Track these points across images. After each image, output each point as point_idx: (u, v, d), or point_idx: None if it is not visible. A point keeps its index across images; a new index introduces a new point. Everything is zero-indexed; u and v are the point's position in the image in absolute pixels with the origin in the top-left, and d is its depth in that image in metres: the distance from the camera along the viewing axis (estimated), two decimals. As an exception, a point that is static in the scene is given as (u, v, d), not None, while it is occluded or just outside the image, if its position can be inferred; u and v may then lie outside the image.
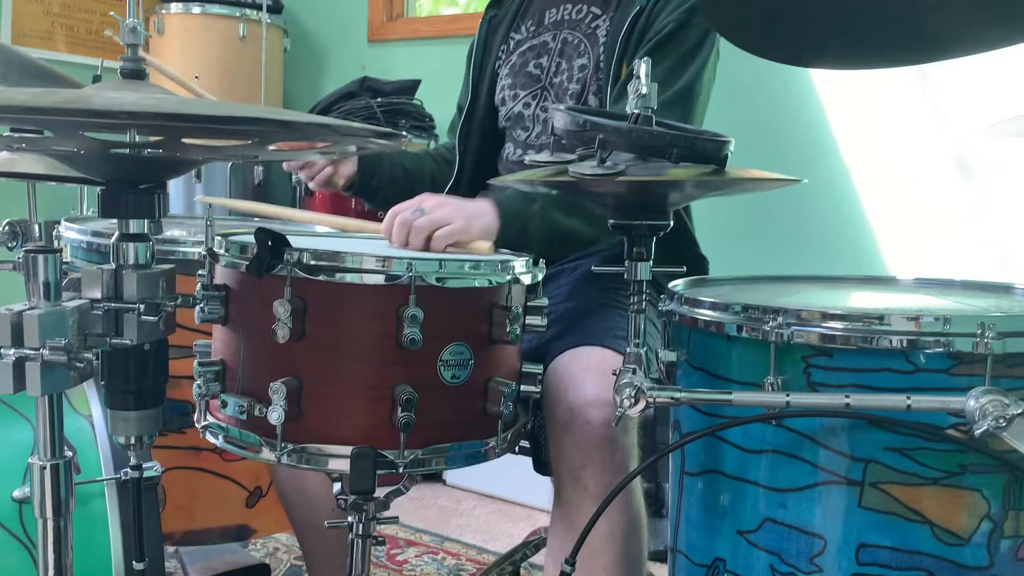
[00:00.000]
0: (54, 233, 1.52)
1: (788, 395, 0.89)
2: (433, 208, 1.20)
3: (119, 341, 0.88)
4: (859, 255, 2.49)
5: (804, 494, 0.94)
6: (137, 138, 0.85)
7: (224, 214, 1.91)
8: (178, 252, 1.38)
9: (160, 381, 0.93)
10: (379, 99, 2.99)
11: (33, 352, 0.80)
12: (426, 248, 1.17)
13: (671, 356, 1.05)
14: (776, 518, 0.95)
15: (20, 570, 1.03)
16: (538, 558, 1.90)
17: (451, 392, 1.00)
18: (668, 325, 1.08)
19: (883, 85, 2.42)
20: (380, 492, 1.05)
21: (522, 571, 1.90)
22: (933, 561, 0.90)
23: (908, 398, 0.85)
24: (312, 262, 0.96)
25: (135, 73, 0.91)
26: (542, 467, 1.30)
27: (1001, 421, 0.81)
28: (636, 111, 0.94)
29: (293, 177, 2.89)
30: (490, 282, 1.03)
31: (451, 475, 2.73)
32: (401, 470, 0.97)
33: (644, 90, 0.94)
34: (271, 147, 1.04)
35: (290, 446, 0.97)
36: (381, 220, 1.27)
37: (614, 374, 0.96)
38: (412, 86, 3.10)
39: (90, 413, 1.15)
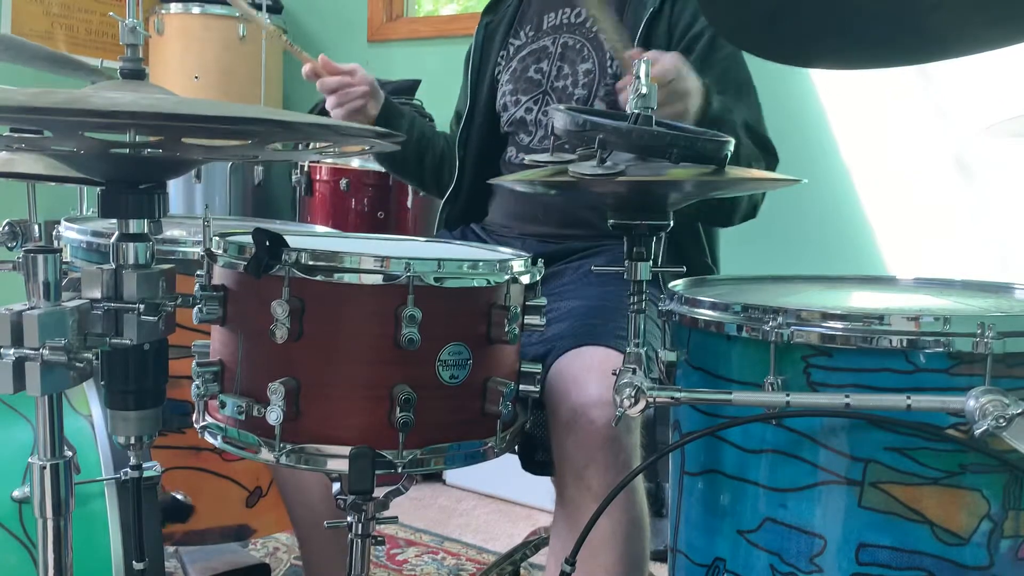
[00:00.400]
0: (54, 233, 1.52)
1: (788, 395, 0.89)
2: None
3: (119, 341, 0.88)
4: (859, 255, 2.49)
5: (804, 494, 0.94)
6: (137, 138, 0.85)
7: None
8: (178, 252, 1.38)
9: (160, 381, 0.93)
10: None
11: (33, 352, 0.80)
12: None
13: (671, 356, 1.05)
14: (776, 518, 0.95)
15: (20, 570, 1.03)
16: (538, 558, 1.90)
17: (450, 392, 1.00)
18: (668, 325, 1.08)
19: (883, 85, 2.42)
20: (379, 492, 1.05)
21: (522, 571, 1.90)
22: (933, 561, 0.90)
23: (908, 398, 0.85)
24: (310, 262, 0.96)
25: (135, 73, 0.91)
26: (533, 466, 1.30)
27: (1001, 421, 0.81)
28: (636, 111, 0.94)
29: (293, 177, 2.90)
30: (488, 282, 1.02)
31: (451, 475, 2.73)
32: (400, 470, 0.97)
33: (644, 90, 0.94)
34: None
35: (289, 446, 0.97)
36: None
37: (614, 374, 0.96)
38: (412, 86, 3.10)
39: (90, 413, 1.15)
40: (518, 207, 1.60)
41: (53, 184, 1.39)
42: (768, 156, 1.47)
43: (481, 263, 1.03)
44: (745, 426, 0.96)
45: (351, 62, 1.64)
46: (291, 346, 0.96)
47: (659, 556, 1.52)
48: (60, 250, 0.87)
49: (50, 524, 0.86)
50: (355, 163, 2.75)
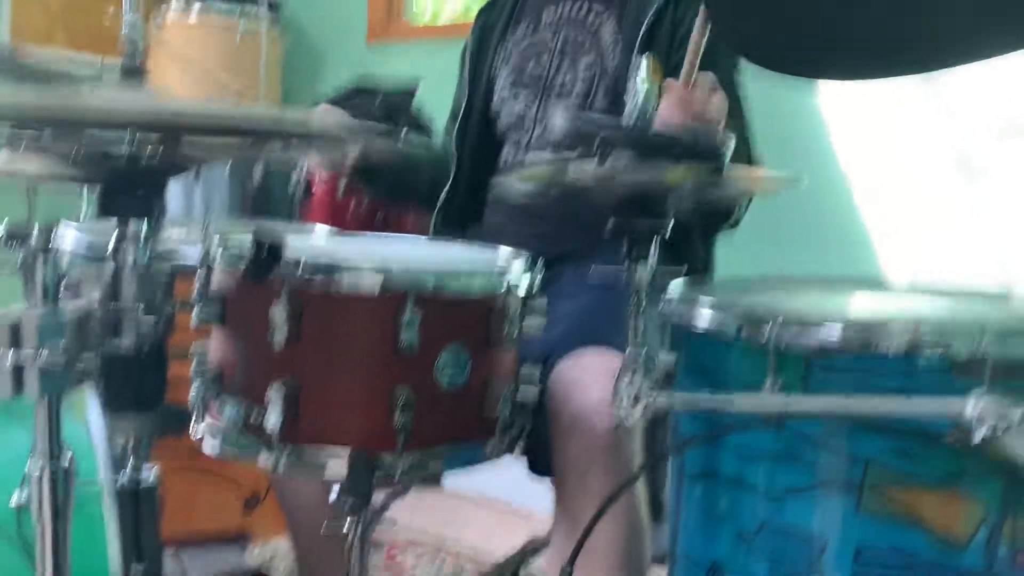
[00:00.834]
0: (52, 235, 1.51)
1: (787, 399, 0.89)
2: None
3: (117, 344, 0.87)
4: (859, 255, 2.49)
5: (803, 497, 0.94)
6: (136, 139, 0.85)
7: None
8: (177, 254, 1.37)
9: (158, 384, 0.93)
10: (378, 100, 2.98)
11: (31, 355, 0.79)
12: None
13: (670, 359, 1.05)
14: (775, 521, 0.95)
15: (18, 574, 1.03)
16: (537, 562, 1.90)
17: (448, 395, 1.00)
18: (667, 328, 1.07)
19: (884, 86, 2.42)
20: (378, 496, 1.04)
21: (520, 575, 1.90)
22: (931, 566, 0.90)
23: (906, 403, 0.85)
24: (308, 268, 0.96)
25: (134, 71, 0.91)
26: (539, 469, 1.30)
27: (999, 426, 0.81)
28: (635, 112, 0.94)
29: (292, 180, 2.89)
30: (487, 286, 1.02)
31: (450, 479, 2.72)
32: (398, 474, 0.97)
33: (643, 90, 0.94)
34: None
35: (287, 450, 0.97)
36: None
37: (612, 377, 0.95)
38: (411, 88, 3.10)
39: (88, 416, 1.14)
40: (516, 208, 1.59)
41: (53, 185, 1.38)
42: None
43: (480, 267, 1.03)
44: (744, 430, 0.96)
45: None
46: (290, 350, 0.95)
47: (658, 560, 1.52)
48: (58, 252, 0.87)
49: (48, 528, 0.85)
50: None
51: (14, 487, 0.99)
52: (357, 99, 2.93)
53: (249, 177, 3.01)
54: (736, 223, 1.55)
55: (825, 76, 1.07)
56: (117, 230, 0.90)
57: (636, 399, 0.93)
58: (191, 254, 1.36)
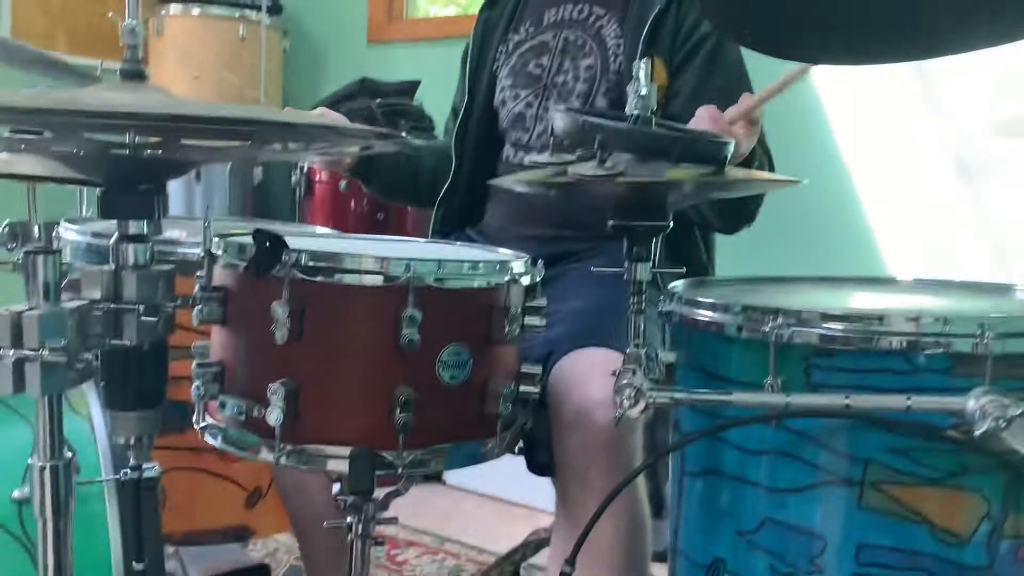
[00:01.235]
0: (53, 234, 1.52)
1: (788, 396, 0.89)
2: None
3: (119, 342, 0.88)
4: (859, 255, 2.49)
5: (804, 495, 0.94)
6: (137, 139, 0.85)
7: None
8: (178, 253, 1.38)
9: (160, 381, 0.93)
10: (379, 100, 2.99)
11: (33, 353, 0.79)
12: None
13: (671, 357, 1.05)
14: (776, 518, 0.95)
15: (20, 570, 1.03)
16: (538, 559, 1.90)
17: (450, 393, 1.00)
18: (668, 326, 1.08)
19: (884, 85, 2.42)
20: (379, 493, 1.05)
21: (522, 572, 1.90)
22: (933, 561, 0.90)
23: (908, 399, 0.85)
24: (310, 263, 0.96)
25: (135, 74, 0.91)
26: (537, 467, 1.30)
27: (1001, 421, 0.81)
28: (636, 112, 0.94)
29: (292, 178, 2.89)
30: (488, 283, 1.02)
31: (451, 476, 2.73)
32: (400, 471, 0.97)
33: (644, 91, 0.94)
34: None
35: (289, 447, 0.97)
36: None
37: (614, 374, 0.96)
38: (412, 87, 3.10)
39: (89, 414, 1.14)
40: (517, 208, 1.59)
41: (53, 185, 1.39)
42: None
43: (481, 264, 1.03)
44: (745, 427, 0.96)
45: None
46: (291, 347, 0.96)
47: (659, 557, 1.52)
48: (60, 251, 0.87)
49: (50, 525, 0.85)
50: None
51: (16, 483, 1.00)
52: (357, 99, 2.94)
53: (250, 177, 3.02)
54: (751, 222, 1.54)
55: (820, 61, 1.07)
56: (118, 229, 0.90)
57: (637, 397, 0.93)
58: (192, 252, 1.37)
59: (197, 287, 1.02)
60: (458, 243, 1.44)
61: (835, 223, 2.52)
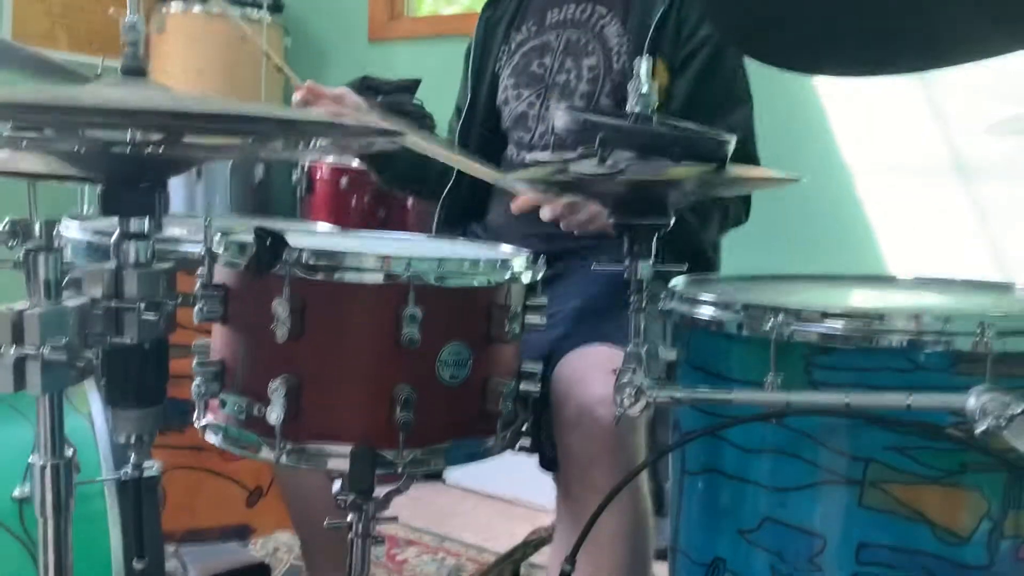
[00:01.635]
0: (54, 232, 1.51)
1: (789, 394, 0.89)
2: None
3: (119, 340, 0.88)
4: (859, 255, 2.49)
5: (804, 493, 0.94)
6: (138, 136, 0.85)
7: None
8: (179, 250, 1.38)
9: (160, 380, 0.93)
10: (379, 98, 2.99)
11: (33, 351, 0.79)
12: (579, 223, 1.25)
13: (671, 355, 1.05)
14: (776, 517, 0.95)
15: (20, 570, 1.03)
16: (538, 557, 1.90)
17: (450, 391, 1.00)
18: (668, 324, 1.08)
19: (884, 85, 2.42)
20: (379, 491, 1.05)
21: (522, 570, 1.90)
22: (933, 560, 0.90)
23: (908, 397, 0.85)
24: (311, 261, 0.96)
25: (135, 70, 0.91)
26: (547, 464, 1.30)
27: (1001, 420, 0.81)
28: (637, 109, 0.94)
29: (293, 176, 2.89)
30: (489, 281, 1.02)
31: (451, 474, 2.73)
32: (400, 469, 0.97)
33: (644, 89, 0.94)
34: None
35: (289, 445, 0.97)
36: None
37: (614, 372, 0.96)
38: (412, 86, 3.10)
39: (90, 412, 1.14)
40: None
41: (54, 183, 1.39)
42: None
43: (482, 262, 1.03)
44: (745, 425, 0.96)
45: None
46: (292, 345, 0.96)
47: (660, 555, 1.52)
48: (61, 249, 0.87)
49: (50, 523, 0.85)
50: (356, 161, 2.74)
51: (16, 482, 1.00)
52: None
53: (251, 174, 3.02)
54: (738, 222, 1.56)
55: (823, 72, 1.07)
56: (119, 227, 0.90)
57: (637, 395, 0.93)
58: (193, 250, 1.37)
59: (198, 285, 1.02)
60: (460, 240, 1.44)
61: (835, 222, 2.52)
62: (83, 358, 0.84)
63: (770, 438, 0.95)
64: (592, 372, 1.19)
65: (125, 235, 0.90)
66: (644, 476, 1.27)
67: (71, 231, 1.49)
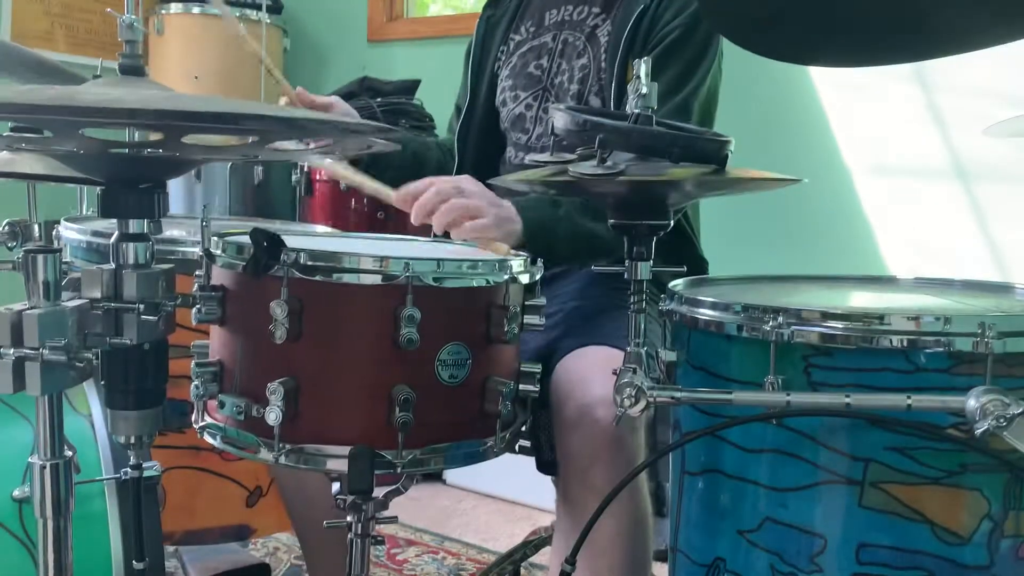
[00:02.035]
0: (54, 233, 1.52)
1: (788, 395, 0.89)
2: (472, 195, 1.19)
3: (119, 341, 0.88)
4: (859, 255, 2.49)
5: (804, 494, 0.94)
6: (137, 137, 0.85)
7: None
8: (178, 252, 1.38)
9: (160, 381, 0.93)
10: (379, 99, 2.99)
11: (33, 352, 0.79)
12: (446, 229, 1.16)
13: (671, 356, 1.05)
14: (776, 518, 0.95)
15: (20, 570, 1.03)
16: (539, 558, 1.90)
17: (449, 392, 1.00)
18: (668, 325, 1.08)
19: (884, 85, 2.42)
20: (379, 492, 1.05)
21: (522, 571, 1.90)
22: (933, 560, 0.90)
23: (908, 398, 0.85)
24: (309, 262, 0.96)
25: (134, 70, 0.91)
26: (544, 466, 1.30)
27: (1001, 420, 0.81)
28: (636, 111, 0.94)
29: (293, 177, 2.89)
30: (488, 281, 1.02)
31: (451, 475, 2.73)
32: (399, 470, 0.97)
33: (644, 90, 0.94)
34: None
35: (288, 446, 0.97)
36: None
37: (614, 373, 0.96)
38: (412, 86, 3.10)
39: (90, 412, 1.14)
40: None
41: (53, 184, 1.39)
42: None
43: (480, 263, 1.03)
44: (745, 426, 0.96)
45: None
46: (290, 346, 0.96)
47: (659, 556, 1.52)
48: (60, 250, 0.87)
49: (50, 524, 0.85)
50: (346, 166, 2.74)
51: (16, 482, 1.00)
52: (357, 98, 2.94)
53: (250, 176, 3.02)
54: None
55: (816, 62, 1.07)
56: (118, 228, 0.90)
57: (637, 396, 0.93)
58: (192, 251, 1.37)
59: (196, 286, 1.02)
60: (459, 241, 1.44)
61: (835, 222, 2.52)
62: (82, 359, 0.84)
63: (770, 438, 0.95)
64: (592, 373, 1.20)
65: (124, 236, 0.90)
66: (644, 476, 1.27)
67: (70, 232, 1.49)
